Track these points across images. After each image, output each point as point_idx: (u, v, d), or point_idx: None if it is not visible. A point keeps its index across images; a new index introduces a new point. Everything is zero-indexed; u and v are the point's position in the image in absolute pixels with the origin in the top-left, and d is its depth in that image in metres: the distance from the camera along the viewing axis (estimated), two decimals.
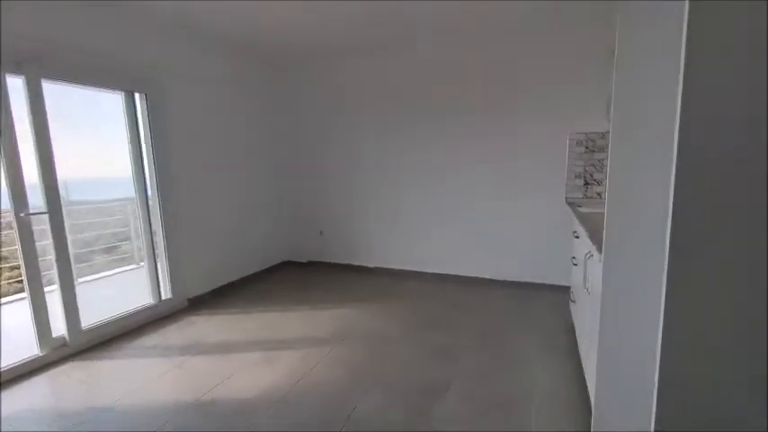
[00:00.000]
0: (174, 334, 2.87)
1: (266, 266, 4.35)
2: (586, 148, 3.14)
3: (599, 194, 3.15)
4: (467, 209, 3.71)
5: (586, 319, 2.05)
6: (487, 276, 3.72)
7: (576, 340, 2.44)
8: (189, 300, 3.40)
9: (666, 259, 0.71)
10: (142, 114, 3.04)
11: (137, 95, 3.02)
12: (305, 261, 4.59)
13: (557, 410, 1.88)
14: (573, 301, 2.55)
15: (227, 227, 3.78)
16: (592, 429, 1.51)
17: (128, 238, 3.98)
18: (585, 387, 1.93)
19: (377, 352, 2.51)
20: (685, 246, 0.71)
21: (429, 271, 3.98)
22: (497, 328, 2.78)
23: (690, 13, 0.68)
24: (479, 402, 1.96)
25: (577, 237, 2.47)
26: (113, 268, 4.04)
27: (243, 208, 4.00)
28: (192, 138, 3.39)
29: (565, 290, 3.28)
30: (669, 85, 1.12)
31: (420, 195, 3.90)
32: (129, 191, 3.11)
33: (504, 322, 2.87)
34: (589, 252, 1.89)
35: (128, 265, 4.12)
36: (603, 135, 3.07)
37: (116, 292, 3.76)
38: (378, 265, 4.23)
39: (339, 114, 4.14)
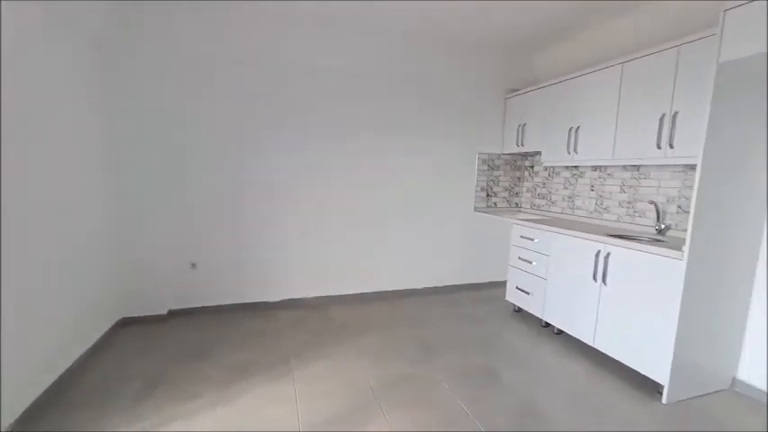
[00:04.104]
0: None
1: (95, 337, 2.45)
2: (488, 166, 3.78)
3: (495, 204, 3.86)
4: (388, 219, 3.55)
5: (588, 306, 2.51)
6: (412, 287, 3.69)
7: (547, 329, 2.96)
8: None
9: None
10: None
11: None
12: (164, 312, 2.91)
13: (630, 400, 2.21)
14: (528, 293, 3.02)
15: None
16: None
17: None
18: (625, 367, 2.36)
19: (431, 417, 1.95)
20: None
21: (351, 292, 3.50)
22: (484, 337, 2.83)
23: None
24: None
25: (532, 239, 2.96)
26: None
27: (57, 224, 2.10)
28: None
29: (485, 285, 3.86)
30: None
31: (332, 205, 3.36)
32: None
33: (480, 330, 2.97)
34: (600, 251, 2.37)
35: None
36: (500, 156, 3.80)
37: None
38: (284, 298, 3.30)
39: (224, 90, 2.93)
